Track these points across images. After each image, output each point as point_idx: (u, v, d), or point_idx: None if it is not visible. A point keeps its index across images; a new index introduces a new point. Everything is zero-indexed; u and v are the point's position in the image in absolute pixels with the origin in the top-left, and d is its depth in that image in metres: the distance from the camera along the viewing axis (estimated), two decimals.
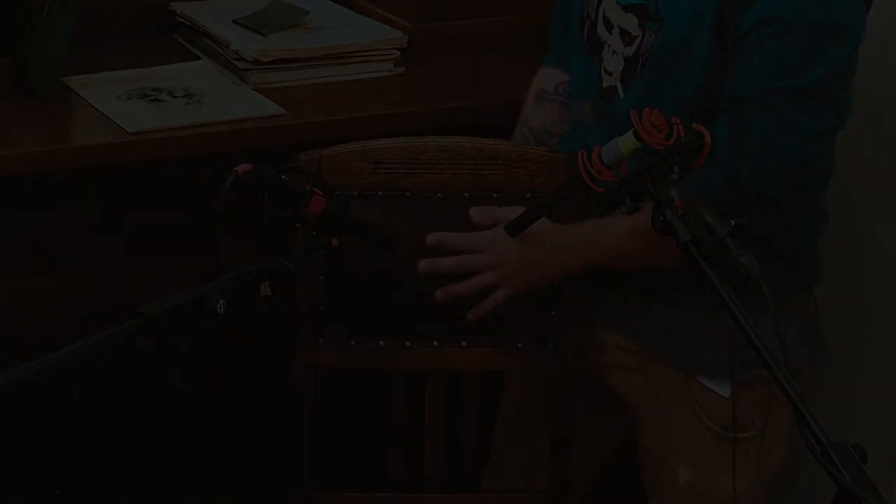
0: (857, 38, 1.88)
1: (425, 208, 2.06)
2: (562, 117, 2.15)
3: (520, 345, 2.10)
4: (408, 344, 2.10)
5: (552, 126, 2.16)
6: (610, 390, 2.15)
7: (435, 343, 2.10)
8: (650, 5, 1.94)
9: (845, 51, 1.87)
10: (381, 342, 2.10)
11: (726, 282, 1.57)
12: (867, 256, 2.44)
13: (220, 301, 1.63)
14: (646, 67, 1.94)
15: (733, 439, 1.94)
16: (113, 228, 2.27)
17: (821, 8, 1.84)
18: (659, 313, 2.04)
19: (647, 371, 2.09)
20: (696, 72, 1.90)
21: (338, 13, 2.64)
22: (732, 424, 1.96)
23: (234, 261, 1.69)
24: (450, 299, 2.01)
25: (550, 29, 2.20)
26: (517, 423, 2.27)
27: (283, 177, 1.73)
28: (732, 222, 1.60)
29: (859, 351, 2.47)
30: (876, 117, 2.29)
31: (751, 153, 1.86)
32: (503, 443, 2.29)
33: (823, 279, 2.11)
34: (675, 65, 1.92)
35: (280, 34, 2.49)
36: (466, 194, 2.06)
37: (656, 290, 2.01)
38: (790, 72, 1.84)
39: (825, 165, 1.92)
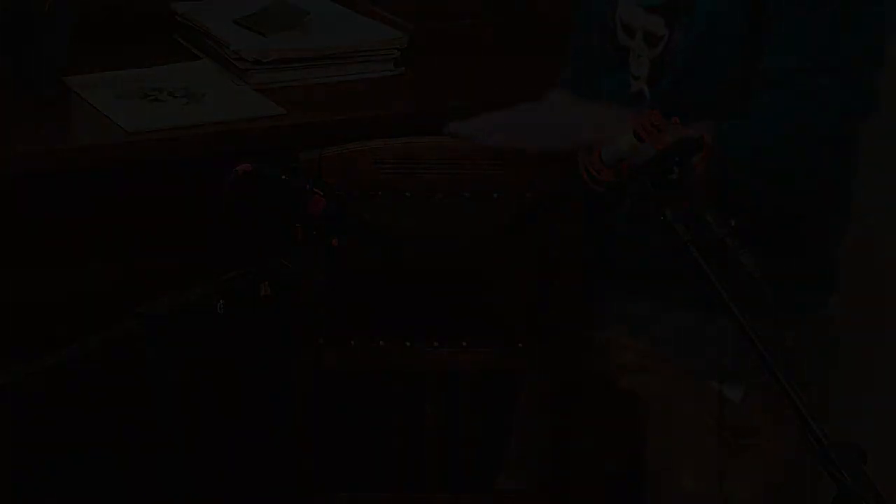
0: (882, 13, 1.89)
1: (425, 208, 2.06)
2: None
3: (520, 345, 2.10)
4: (408, 344, 2.10)
5: None
6: (621, 391, 2.15)
7: (435, 343, 2.10)
8: (678, 4, 1.93)
9: (877, 26, 1.88)
10: (381, 342, 2.10)
11: (728, 284, 1.57)
12: (868, 258, 2.44)
13: (220, 301, 1.63)
14: (674, 65, 1.94)
15: (740, 445, 1.94)
16: (112, 228, 2.27)
17: None
18: (671, 314, 2.03)
19: (657, 372, 2.09)
20: (726, 59, 1.89)
21: (338, 13, 2.64)
22: (733, 429, 1.95)
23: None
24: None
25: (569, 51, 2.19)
26: (531, 425, 2.26)
27: (283, 177, 1.73)
28: (732, 222, 1.59)
29: (859, 351, 2.47)
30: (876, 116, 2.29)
31: (780, 129, 1.86)
32: (518, 444, 2.29)
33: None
34: (704, 56, 1.91)
35: (280, 34, 2.49)
36: (466, 194, 2.06)
37: (669, 292, 2.01)
38: (822, 49, 1.85)
39: (850, 147, 1.92)
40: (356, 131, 2.20)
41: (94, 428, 2.33)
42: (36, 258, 2.25)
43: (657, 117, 1.67)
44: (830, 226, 2.03)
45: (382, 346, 2.10)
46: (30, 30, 2.30)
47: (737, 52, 1.89)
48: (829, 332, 2.11)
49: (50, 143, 2.21)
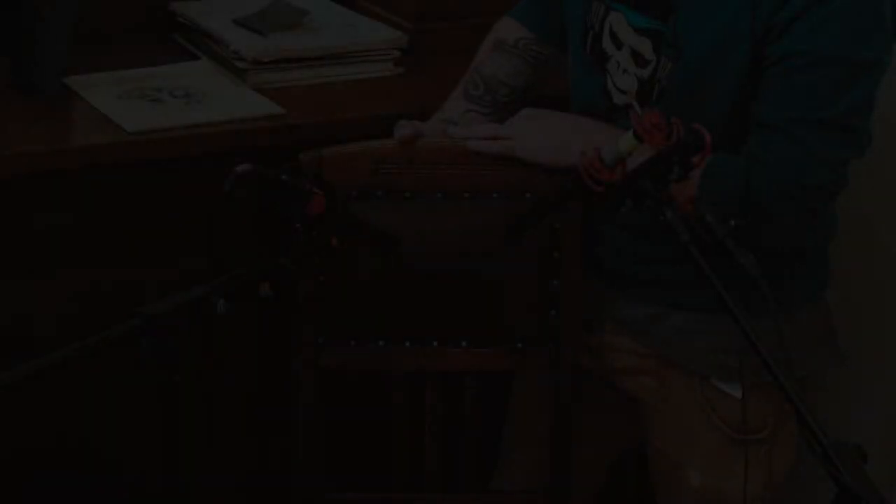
0: (883, 71, 1.89)
1: (425, 208, 2.06)
2: (518, 70, 2.15)
3: (520, 345, 2.10)
4: (408, 344, 2.10)
5: (506, 77, 2.15)
6: (621, 393, 2.15)
7: (435, 343, 2.10)
8: (667, 32, 1.92)
9: (872, 84, 1.88)
10: (381, 342, 2.10)
11: (724, 282, 1.57)
12: (871, 258, 2.44)
13: (220, 301, 1.63)
14: (663, 94, 1.94)
15: (744, 442, 1.94)
16: (112, 228, 2.27)
17: (855, 45, 1.84)
18: (671, 317, 2.04)
19: (659, 374, 2.09)
20: (721, 100, 1.90)
21: (338, 13, 2.64)
22: (743, 426, 1.95)
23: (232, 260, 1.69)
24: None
25: None
26: (525, 426, 2.27)
27: (283, 177, 1.73)
28: (732, 222, 1.60)
29: (859, 351, 2.47)
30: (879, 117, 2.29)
31: (773, 178, 1.86)
32: (511, 445, 2.29)
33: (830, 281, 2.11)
34: (697, 93, 1.91)
35: (280, 34, 2.49)
36: (466, 194, 2.06)
37: (668, 294, 2.01)
38: (819, 104, 1.85)
39: (838, 190, 1.93)
40: (356, 131, 2.20)
41: (94, 427, 2.33)
42: (35, 258, 2.25)
43: (657, 117, 1.67)
44: (819, 224, 2.04)
45: (382, 346, 2.10)
46: (30, 29, 2.30)
47: (732, 90, 1.89)
48: (828, 328, 2.11)
49: (50, 143, 2.21)
